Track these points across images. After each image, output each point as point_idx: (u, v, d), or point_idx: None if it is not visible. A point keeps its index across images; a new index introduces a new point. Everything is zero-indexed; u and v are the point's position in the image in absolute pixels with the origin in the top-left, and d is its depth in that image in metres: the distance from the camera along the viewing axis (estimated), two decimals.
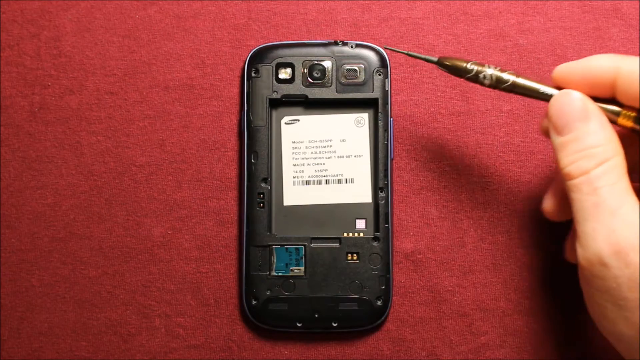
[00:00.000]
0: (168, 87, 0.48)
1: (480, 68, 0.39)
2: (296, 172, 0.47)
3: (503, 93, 0.48)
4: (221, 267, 0.47)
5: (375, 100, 0.47)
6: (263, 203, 0.46)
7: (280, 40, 0.48)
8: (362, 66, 0.47)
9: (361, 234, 0.46)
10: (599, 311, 0.34)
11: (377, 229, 0.46)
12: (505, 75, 0.38)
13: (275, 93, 0.47)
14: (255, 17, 0.48)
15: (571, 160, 0.35)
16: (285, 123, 0.47)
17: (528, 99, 0.48)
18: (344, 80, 0.47)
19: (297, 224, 0.47)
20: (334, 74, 0.47)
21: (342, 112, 0.47)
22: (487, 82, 0.38)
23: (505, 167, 0.47)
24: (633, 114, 0.36)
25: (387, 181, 0.46)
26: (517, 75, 0.38)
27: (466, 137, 0.47)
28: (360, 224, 0.46)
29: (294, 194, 0.47)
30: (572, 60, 0.47)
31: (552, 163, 0.47)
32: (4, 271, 0.47)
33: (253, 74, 0.47)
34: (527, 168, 0.47)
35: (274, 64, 0.47)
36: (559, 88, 0.38)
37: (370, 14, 0.48)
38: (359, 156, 0.47)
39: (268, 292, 0.46)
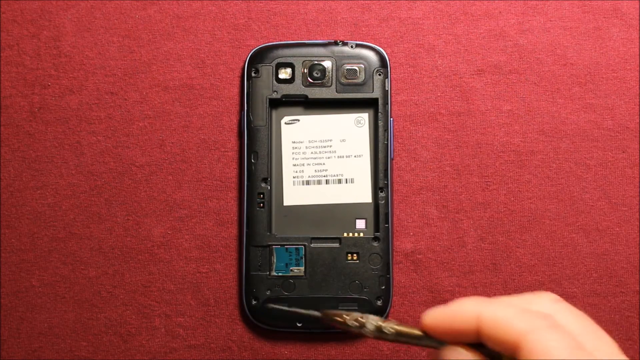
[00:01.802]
0: (168, 87, 0.48)
1: (360, 319, 0.37)
2: (296, 172, 0.47)
3: (503, 93, 0.48)
4: (221, 267, 0.47)
5: (375, 100, 0.47)
6: (263, 203, 0.46)
7: (280, 40, 0.48)
8: (362, 66, 0.47)
9: (361, 234, 0.46)
10: None
11: (377, 229, 0.46)
12: (386, 329, 0.37)
13: (275, 93, 0.47)
14: (255, 17, 0.48)
15: None
16: (285, 123, 0.47)
17: (528, 99, 0.48)
18: (344, 80, 0.47)
19: (297, 224, 0.47)
20: (334, 74, 0.47)
21: (342, 112, 0.47)
22: (369, 335, 0.37)
23: (505, 167, 0.47)
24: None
25: (387, 181, 0.46)
26: (398, 325, 0.37)
27: (466, 137, 0.47)
28: (360, 224, 0.46)
29: (294, 194, 0.47)
30: (572, 60, 0.48)
31: (551, 163, 0.48)
32: (4, 271, 0.47)
33: (253, 74, 0.47)
34: (527, 168, 0.47)
35: (274, 64, 0.47)
36: (437, 338, 0.36)
37: (370, 14, 0.48)
38: (359, 156, 0.47)
39: (268, 292, 0.46)
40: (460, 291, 0.47)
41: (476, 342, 0.36)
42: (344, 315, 0.37)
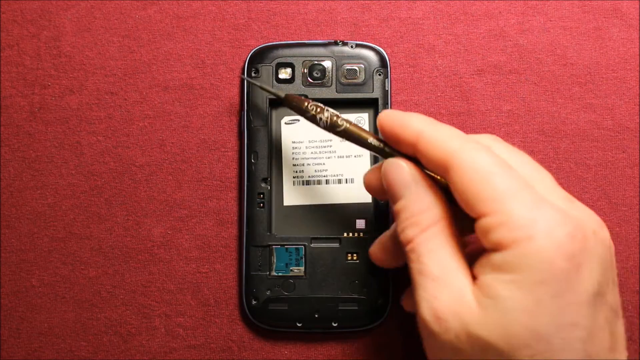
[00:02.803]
0: (168, 87, 0.48)
1: (318, 110, 0.40)
2: (296, 172, 0.47)
3: (503, 93, 0.48)
4: (221, 267, 0.47)
5: (375, 100, 0.47)
6: (263, 203, 0.46)
7: (280, 40, 0.48)
8: (362, 66, 0.47)
9: (361, 234, 0.46)
10: None
11: (377, 229, 0.46)
12: (339, 121, 0.40)
13: None
14: (255, 17, 0.48)
15: (401, 228, 0.36)
16: (285, 123, 0.47)
17: (528, 99, 0.48)
18: (344, 80, 0.47)
19: (297, 224, 0.47)
20: (334, 74, 0.47)
21: (342, 112, 0.47)
22: (322, 124, 0.40)
23: None
24: (444, 181, 0.36)
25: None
26: (350, 124, 0.40)
27: None
28: (360, 224, 0.46)
29: (294, 194, 0.47)
30: (572, 60, 0.48)
31: (551, 163, 0.48)
32: (4, 271, 0.47)
33: (253, 74, 0.47)
34: None
35: (274, 64, 0.47)
36: (384, 140, 0.39)
37: (370, 14, 0.48)
38: (359, 156, 0.47)
39: (268, 292, 0.46)
40: None
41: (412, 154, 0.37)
42: (305, 103, 0.41)
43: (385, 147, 0.38)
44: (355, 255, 0.46)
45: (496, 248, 0.33)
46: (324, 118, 0.40)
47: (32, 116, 0.48)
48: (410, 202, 0.36)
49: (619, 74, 0.48)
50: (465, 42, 0.48)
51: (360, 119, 0.47)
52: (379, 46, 0.47)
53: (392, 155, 0.38)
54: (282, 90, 0.44)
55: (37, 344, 0.47)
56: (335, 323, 0.46)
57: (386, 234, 0.41)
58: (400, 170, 0.37)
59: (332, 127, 0.40)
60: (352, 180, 0.47)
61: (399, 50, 0.48)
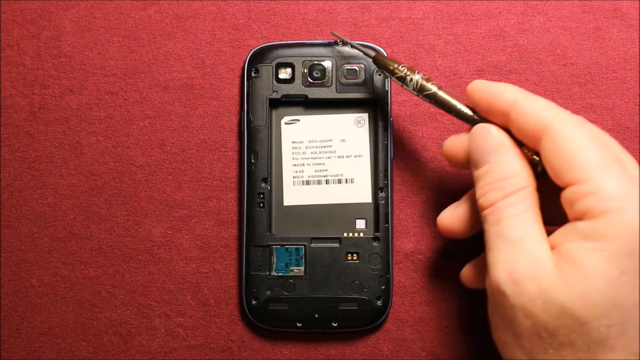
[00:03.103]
0: (168, 87, 0.48)
1: (408, 72, 0.41)
2: (296, 172, 0.47)
3: None
4: (221, 267, 0.47)
5: (375, 100, 0.47)
6: (263, 203, 0.46)
7: (280, 40, 0.48)
8: (362, 66, 0.47)
9: (361, 234, 0.46)
10: (500, 338, 0.36)
11: (377, 229, 0.46)
12: (429, 85, 0.41)
13: (275, 93, 0.47)
14: (255, 17, 0.48)
15: (483, 192, 0.37)
16: (285, 123, 0.47)
17: None
18: (344, 80, 0.47)
19: (297, 224, 0.47)
20: (334, 74, 0.47)
21: (342, 112, 0.47)
22: (411, 86, 0.41)
23: None
24: (531, 153, 0.37)
25: (387, 181, 0.46)
26: (439, 88, 0.41)
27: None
28: (360, 224, 0.46)
29: (294, 194, 0.47)
30: (572, 60, 0.48)
31: None
32: (4, 271, 0.47)
33: (253, 74, 0.47)
34: None
35: (274, 64, 0.47)
36: (472, 109, 0.40)
37: (370, 14, 0.48)
38: (359, 156, 0.47)
39: (268, 292, 0.46)
40: (461, 291, 0.47)
41: (502, 124, 0.38)
42: (395, 64, 0.42)
43: (475, 114, 0.39)
44: (355, 255, 0.46)
45: (583, 217, 0.33)
46: (414, 80, 0.41)
47: (32, 116, 0.48)
48: (496, 167, 0.36)
49: (619, 74, 0.48)
50: (465, 42, 0.48)
51: (360, 119, 0.47)
52: (379, 46, 0.47)
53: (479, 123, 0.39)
54: (371, 52, 0.44)
55: (37, 344, 0.47)
56: (335, 323, 0.46)
57: (458, 203, 0.42)
58: (490, 135, 0.37)
59: (420, 90, 0.41)
60: (352, 180, 0.47)
61: (399, 50, 0.48)
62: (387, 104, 0.47)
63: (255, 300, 0.46)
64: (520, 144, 0.38)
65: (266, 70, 0.47)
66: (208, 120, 0.48)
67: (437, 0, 0.48)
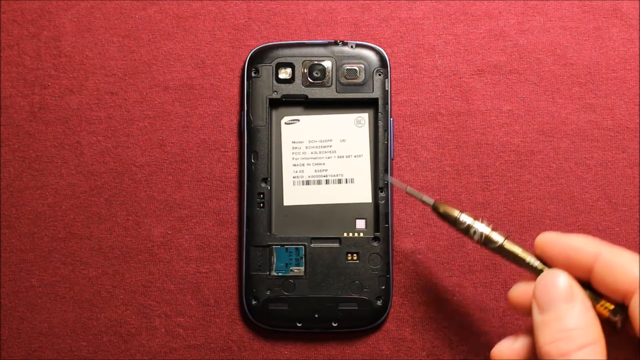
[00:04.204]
0: (168, 87, 0.48)
1: (471, 223, 0.39)
2: (296, 172, 0.47)
3: (503, 93, 0.48)
4: (221, 267, 0.47)
5: (375, 100, 0.47)
6: (263, 203, 0.46)
7: (280, 40, 0.48)
8: (362, 66, 0.47)
9: (361, 234, 0.46)
10: None
11: (377, 229, 0.46)
12: (495, 237, 0.39)
13: (275, 93, 0.47)
14: (255, 17, 0.48)
15: (551, 339, 0.35)
16: (285, 123, 0.47)
17: (528, 99, 0.48)
18: (344, 80, 0.47)
19: (297, 224, 0.47)
20: (334, 74, 0.47)
21: (342, 112, 0.47)
22: (476, 238, 0.39)
23: (505, 167, 0.47)
24: (611, 306, 0.36)
25: (387, 181, 0.46)
26: (506, 237, 0.39)
27: (466, 137, 0.47)
28: (360, 224, 0.46)
29: (294, 194, 0.47)
30: (572, 60, 0.48)
31: (551, 163, 0.47)
32: (4, 271, 0.47)
33: (253, 74, 0.47)
34: (527, 168, 0.47)
35: (274, 64, 0.47)
36: (542, 259, 0.38)
37: (370, 14, 0.48)
38: (359, 156, 0.47)
39: (268, 292, 0.46)
40: (461, 291, 0.47)
41: (581, 277, 0.36)
42: (456, 213, 0.39)
43: (546, 267, 0.38)
44: (355, 255, 0.46)
45: None
46: (477, 232, 0.39)
47: (32, 116, 0.48)
48: (566, 316, 0.35)
49: (619, 74, 0.48)
50: (465, 42, 0.48)
51: (360, 119, 0.47)
52: (379, 46, 0.47)
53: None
54: (430, 199, 0.41)
55: (37, 344, 0.47)
56: (335, 323, 0.46)
57: (515, 338, 0.40)
58: (563, 283, 0.36)
59: (485, 243, 0.39)
60: (352, 180, 0.47)
61: (399, 50, 0.48)
62: (387, 104, 0.47)
63: (255, 300, 0.46)
64: (597, 294, 0.36)
65: (266, 70, 0.47)
66: (208, 120, 0.48)
67: (437, 0, 0.48)
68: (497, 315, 0.46)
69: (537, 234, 0.47)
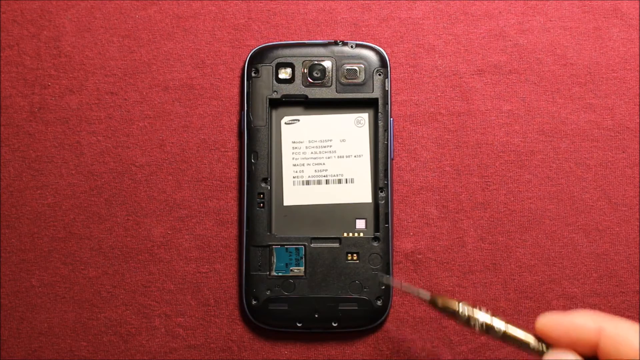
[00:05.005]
0: (168, 87, 0.48)
1: (471, 314, 0.38)
2: (296, 172, 0.47)
3: (503, 93, 0.48)
4: (221, 267, 0.47)
5: (375, 100, 0.47)
6: (263, 203, 0.46)
7: (280, 40, 0.48)
8: (362, 66, 0.47)
9: (361, 234, 0.46)
10: None
11: (377, 229, 0.46)
12: (496, 324, 0.38)
13: (275, 93, 0.47)
14: (255, 17, 0.48)
15: None
16: (285, 123, 0.47)
17: (528, 99, 0.48)
18: (344, 80, 0.47)
19: (297, 224, 0.47)
20: (334, 74, 0.47)
21: (342, 112, 0.47)
22: (477, 328, 0.38)
23: (505, 167, 0.47)
24: None
25: (387, 181, 0.46)
26: (507, 323, 0.38)
27: (466, 137, 0.47)
28: (360, 224, 0.46)
29: (294, 194, 0.47)
30: (572, 60, 0.48)
31: (551, 163, 0.47)
32: (4, 271, 0.47)
33: (253, 74, 0.47)
34: (527, 168, 0.47)
35: (274, 64, 0.47)
36: (543, 341, 0.37)
37: (370, 14, 0.48)
38: (359, 156, 0.47)
39: (268, 292, 0.46)
40: (460, 291, 0.47)
41: (585, 354, 0.36)
42: (456, 305, 0.38)
43: (547, 345, 0.37)
44: (355, 255, 0.46)
45: None
46: (478, 322, 0.38)
47: (32, 116, 0.48)
48: None
49: (619, 74, 0.48)
50: (465, 42, 0.48)
51: (360, 119, 0.47)
52: (379, 46, 0.47)
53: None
54: (426, 293, 0.40)
55: (37, 344, 0.47)
56: (335, 323, 0.46)
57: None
58: None
59: (487, 331, 0.38)
60: (352, 180, 0.47)
61: (399, 50, 0.48)
62: (387, 104, 0.47)
63: (255, 300, 0.46)
64: None
65: (266, 70, 0.47)
66: (208, 120, 0.48)
67: (437, 0, 0.48)
68: (496, 315, 0.46)
69: (537, 234, 0.47)
